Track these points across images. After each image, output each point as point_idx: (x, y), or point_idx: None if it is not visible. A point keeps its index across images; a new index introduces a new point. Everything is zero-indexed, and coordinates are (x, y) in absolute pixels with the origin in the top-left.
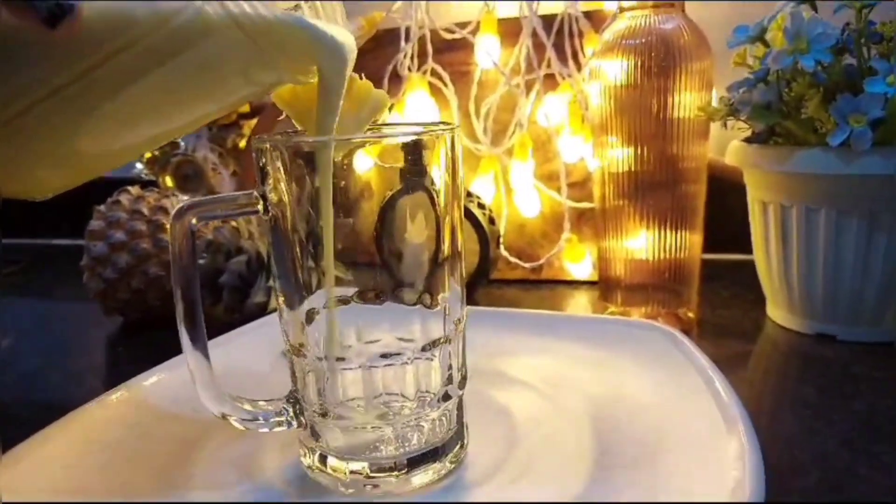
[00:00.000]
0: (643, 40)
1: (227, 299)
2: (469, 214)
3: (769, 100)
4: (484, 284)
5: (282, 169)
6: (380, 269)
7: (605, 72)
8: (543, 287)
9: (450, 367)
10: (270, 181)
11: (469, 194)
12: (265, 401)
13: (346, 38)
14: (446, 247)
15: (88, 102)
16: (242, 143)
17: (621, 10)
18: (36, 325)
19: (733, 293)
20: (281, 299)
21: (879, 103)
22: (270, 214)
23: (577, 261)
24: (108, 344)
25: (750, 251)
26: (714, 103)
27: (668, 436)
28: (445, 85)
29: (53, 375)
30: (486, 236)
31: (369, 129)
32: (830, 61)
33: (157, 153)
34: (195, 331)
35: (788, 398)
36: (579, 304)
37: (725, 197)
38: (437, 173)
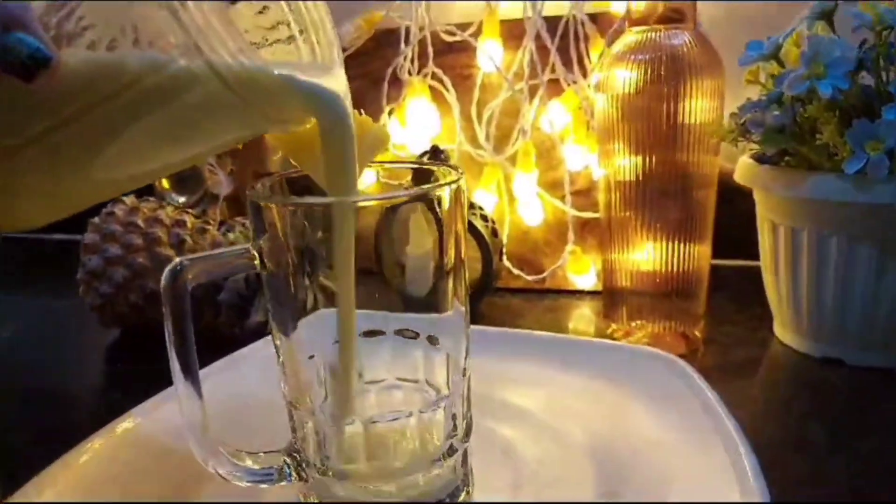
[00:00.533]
0: (651, 56)
1: (226, 318)
2: (472, 227)
3: (783, 122)
4: (488, 295)
5: (287, 226)
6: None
7: (613, 80)
8: (547, 297)
9: (454, 418)
10: (268, 237)
11: (472, 206)
12: (265, 453)
13: (338, 83)
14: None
15: (73, 148)
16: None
17: (630, 23)
18: (32, 329)
19: (739, 306)
20: (281, 352)
21: None
22: (268, 270)
23: (582, 273)
24: (108, 358)
25: (756, 256)
26: (725, 118)
27: (674, 476)
28: (447, 89)
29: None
30: (488, 249)
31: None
32: (847, 88)
33: None
34: (192, 385)
35: (795, 434)
36: (584, 315)
37: (732, 201)
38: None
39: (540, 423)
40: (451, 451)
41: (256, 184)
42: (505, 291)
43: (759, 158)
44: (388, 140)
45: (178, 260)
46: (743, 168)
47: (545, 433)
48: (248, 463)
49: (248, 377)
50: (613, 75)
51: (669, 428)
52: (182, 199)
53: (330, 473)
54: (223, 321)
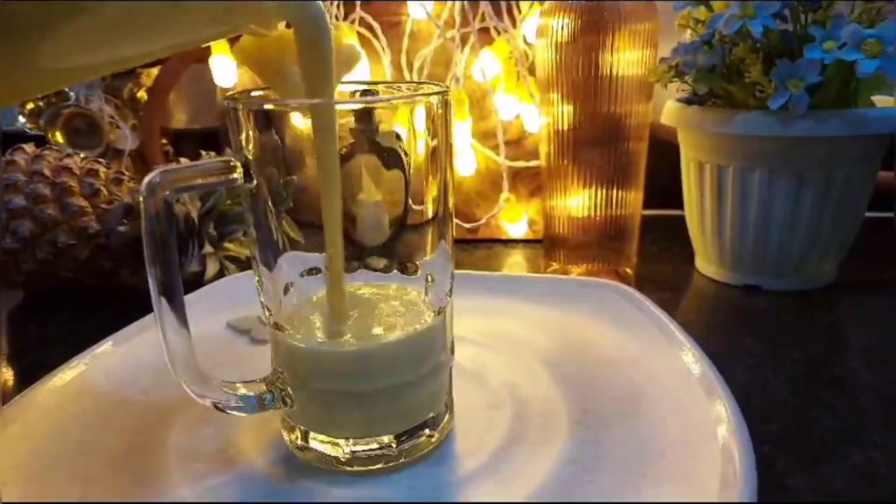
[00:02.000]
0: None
1: None
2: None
3: (713, 63)
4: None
5: (263, 131)
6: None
7: (550, 29)
8: (481, 246)
9: (443, 338)
10: (250, 146)
11: (405, 152)
12: (250, 383)
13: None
14: (428, 210)
15: (38, 23)
16: (142, 94)
17: None
18: None
19: (662, 247)
20: (260, 270)
21: (817, 69)
22: (255, 183)
23: (515, 220)
24: (12, 322)
25: (672, 206)
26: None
27: (643, 389)
28: (376, 37)
29: None
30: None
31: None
32: (774, 27)
33: (41, 104)
34: (177, 318)
35: (733, 347)
36: (518, 263)
37: (658, 156)
38: (408, 133)
39: (504, 352)
40: (438, 367)
41: (233, 95)
42: None
43: (686, 101)
44: (360, 58)
45: (154, 171)
46: (670, 110)
47: (511, 360)
48: (242, 391)
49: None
50: (551, 22)
51: (628, 346)
52: (81, 155)
53: (315, 393)
54: None
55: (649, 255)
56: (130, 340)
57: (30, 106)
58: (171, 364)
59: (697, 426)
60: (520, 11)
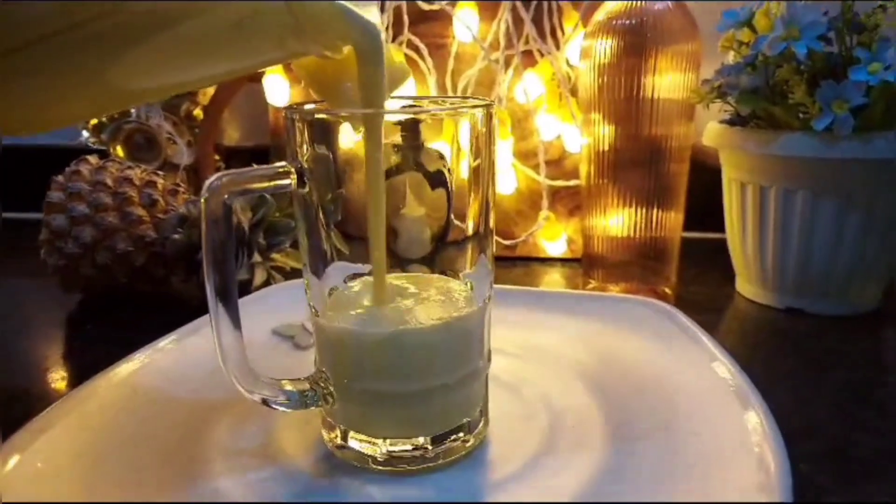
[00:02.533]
0: (633, 21)
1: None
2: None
3: (757, 85)
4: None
5: (318, 140)
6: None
7: (595, 51)
8: (519, 264)
9: (480, 342)
10: (305, 154)
11: (449, 170)
12: (296, 380)
13: (376, 18)
14: (469, 226)
15: (113, 43)
16: (198, 112)
17: None
18: None
19: (702, 270)
20: (309, 276)
21: (862, 90)
22: (307, 188)
23: (554, 239)
24: (70, 323)
25: (713, 229)
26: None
27: (678, 403)
28: (422, 58)
29: (15, 360)
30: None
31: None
32: (819, 49)
33: (104, 120)
34: (232, 318)
35: (774, 368)
36: (556, 281)
37: (698, 179)
38: (451, 150)
39: (540, 365)
40: (475, 372)
41: (292, 106)
42: None
43: (728, 123)
44: (409, 75)
45: (215, 175)
46: (712, 131)
47: (547, 373)
48: (288, 388)
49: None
50: (595, 44)
51: (664, 361)
52: (141, 167)
53: (355, 390)
54: (198, 283)
55: (689, 276)
56: (182, 342)
57: (93, 121)
58: (223, 361)
59: (732, 438)
60: (563, 34)
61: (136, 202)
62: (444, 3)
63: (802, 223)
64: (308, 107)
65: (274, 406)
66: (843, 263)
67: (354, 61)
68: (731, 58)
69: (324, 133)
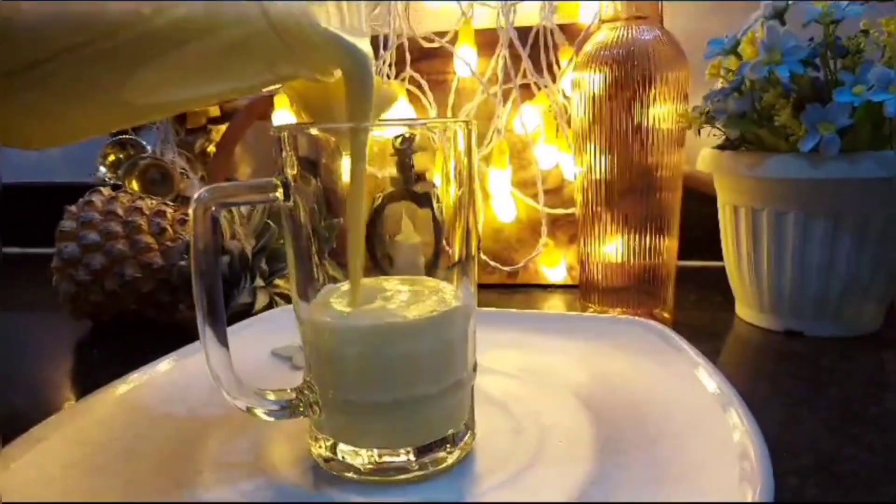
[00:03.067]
0: (623, 51)
1: None
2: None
3: (744, 109)
4: None
5: (304, 157)
6: (373, 272)
7: (586, 82)
8: (520, 291)
9: (464, 350)
10: (291, 170)
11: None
12: (282, 391)
13: (367, 48)
14: (456, 251)
15: (118, 62)
16: (211, 149)
17: (602, 21)
18: None
19: (701, 296)
20: (295, 293)
21: (847, 112)
22: (292, 201)
23: (553, 265)
24: (78, 349)
25: (712, 258)
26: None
27: (668, 421)
28: (424, 93)
29: (21, 382)
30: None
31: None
32: (802, 72)
33: (121, 156)
34: (216, 324)
35: (770, 388)
36: (556, 306)
37: (693, 208)
38: (440, 178)
39: (532, 383)
40: (460, 383)
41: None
42: (479, 287)
43: (721, 148)
44: (398, 98)
45: (203, 188)
46: (705, 157)
47: (538, 390)
48: (271, 397)
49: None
50: (585, 75)
51: (655, 377)
52: (153, 199)
53: (340, 400)
54: None
55: (688, 302)
56: (181, 362)
57: (111, 158)
58: (209, 364)
59: (718, 450)
60: (559, 67)
61: (145, 230)
62: (444, 40)
63: (795, 244)
64: (291, 125)
65: (259, 414)
66: (838, 284)
67: (343, 85)
68: (718, 85)
69: (309, 148)
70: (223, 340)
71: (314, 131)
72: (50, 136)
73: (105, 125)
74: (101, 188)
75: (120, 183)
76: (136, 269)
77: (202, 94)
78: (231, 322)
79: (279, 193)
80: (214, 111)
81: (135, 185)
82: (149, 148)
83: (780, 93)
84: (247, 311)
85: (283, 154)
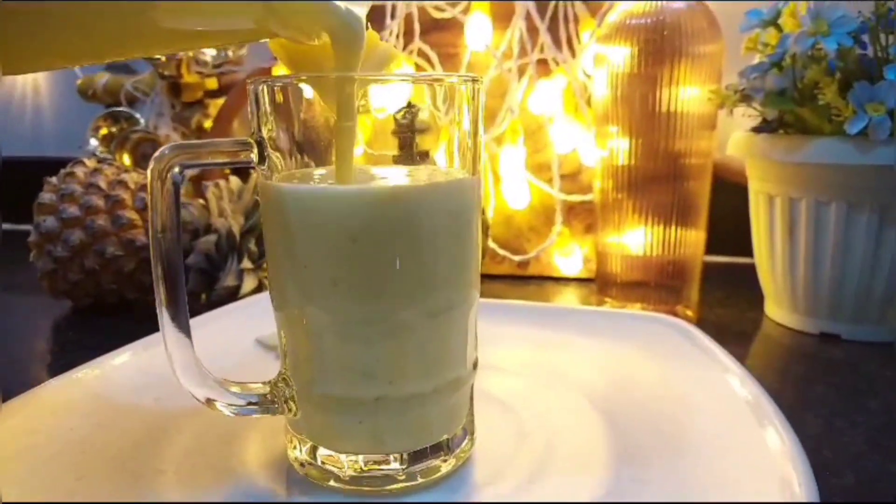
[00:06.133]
0: (651, 22)
1: (193, 283)
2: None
3: (783, 86)
4: None
5: (282, 113)
6: None
7: (609, 57)
8: (531, 283)
9: (463, 343)
10: (267, 128)
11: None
12: (254, 383)
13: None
14: None
15: None
16: (208, 124)
17: None
18: None
19: (727, 293)
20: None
21: None
22: (267, 165)
23: (568, 255)
24: (55, 330)
25: (740, 254)
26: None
27: (691, 425)
28: (433, 67)
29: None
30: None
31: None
32: (851, 45)
33: (114, 130)
34: (175, 303)
35: (801, 396)
36: (569, 301)
37: (721, 199)
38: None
39: (541, 383)
40: (458, 382)
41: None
42: (486, 277)
43: (755, 131)
44: (395, 56)
45: (165, 146)
46: (737, 141)
47: (548, 391)
48: (236, 390)
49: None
50: (609, 51)
51: (678, 380)
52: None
53: (320, 396)
54: (189, 290)
55: (714, 300)
56: (150, 350)
57: (103, 131)
58: (165, 346)
59: (752, 465)
60: (579, 41)
61: (128, 205)
62: (455, 10)
63: (836, 238)
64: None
65: (219, 408)
66: (882, 283)
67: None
68: (756, 61)
69: (288, 103)
70: (182, 320)
71: (295, 83)
72: (44, 60)
73: (133, 50)
74: (85, 159)
75: (111, 156)
76: (117, 247)
77: (174, 44)
78: (215, 306)
79: (253, 155)
80: (212, 84)
81: (126, 160)
82: (142, 121)
83: (825, 69)
84: (232, 295)
85: (259, 110)
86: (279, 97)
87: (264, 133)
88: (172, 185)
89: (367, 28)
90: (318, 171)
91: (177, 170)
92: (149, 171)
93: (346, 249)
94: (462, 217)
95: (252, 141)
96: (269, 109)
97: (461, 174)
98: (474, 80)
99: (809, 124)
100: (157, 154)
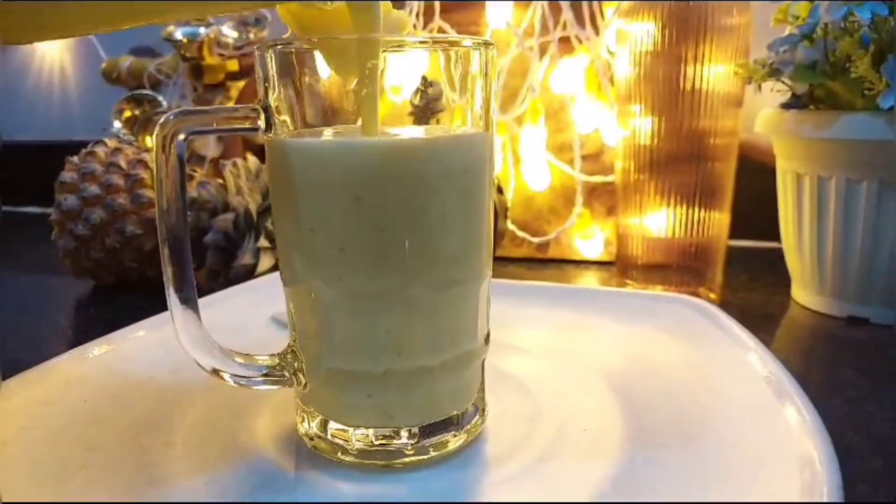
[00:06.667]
0: None
1: (212, 261)
2: None
3: (814, 59)
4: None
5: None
6: None
7: (632, 33)
8: (550, 266)
9: (474, 318)
10: (276, 95)
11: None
12: (261, 355)
13: None
14: None
15: None
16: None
17: None
18: None
19: (752, 276)
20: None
21: None
22: (274, 132)
23: (588, 238)
24: (78, 307)
25: (765, 237)
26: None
27: (713, 413)
28: None
29: (12, 340)
30: (493, 207)
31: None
32: (886, 15)
33: (137, 112)
34: (183, 274)
35: (829, 380)
36: (589, 283)
37: (743, 178)
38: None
39: (559, 364)
40: (470, 356)
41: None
42: (505, 260)
43: (783, 107)
44: (407, 24)
45: (170, 112)
46: (764, 118)
47: (565, 372)
48: (241, 361)
49: (234, 313)
50: (632, 27)
51: (699, 362)
52: None
53: (331, 369)
54: (207, 269)
55: (739, 283)
56: (168, 325)
57: (126, 114)
58: (175, 323)
59: (775, 450)
60: (603, 18)
61: (147, 184)
62: None
63: (867, 219)
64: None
65: (226, 379)
66: None
67: (345, 12)
68: (786, 33)
69: (300, 69)
70: (190, 293)
71: (307, 47)
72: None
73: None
74: (106, 139)
75: (134, 138)
76: (137, 226)
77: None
78: (232, 283)
79: (261, 122)
80: (233, 66)
81: (149, 142)
82: (165, 104)
83: (858, 41)
84: (249, 273)
85: (268, 76)
86: (287, 62)
87: (271, 100)
88: (177, 157)
89: None
90: (328, 131)
91: (182, 136)
92: (153, 137)
93: (351, 210)
94: (470, 174)
95: (259, 108)
96: (276, 75)
97: (472, 130)
98: (486, 44)
99: (841, 99)
100: (161, 120)
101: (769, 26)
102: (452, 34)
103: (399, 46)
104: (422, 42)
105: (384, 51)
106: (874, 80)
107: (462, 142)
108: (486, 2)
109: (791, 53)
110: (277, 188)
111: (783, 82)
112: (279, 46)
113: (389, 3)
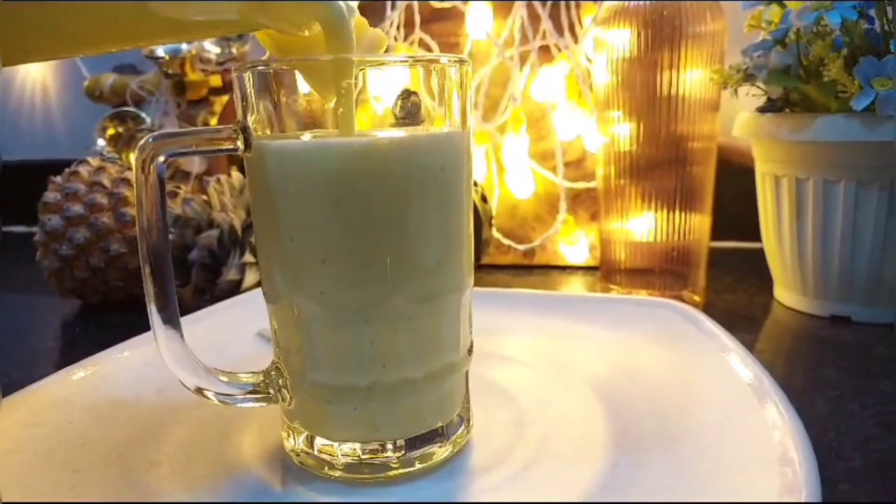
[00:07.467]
0: (649, 1)
1: (197, 278)
2: None
3: (788, 63)
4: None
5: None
6: None
7: (609, 41)
8: (536, 272)
9: (457, 328)
10: (254, 116)
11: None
12: (245, 373)
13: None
14: None
15: None
16: (213, 122)
17: None
18: None
19: (736, 278)
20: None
21: None
22: (252, 153)
23: (572, 244)
24: (64, 327)
25: (747, 238)
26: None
27: (695, 415)
28: None
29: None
30: (478, 215)
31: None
32: (856, 19)
33: (120, 130)
34: (165, 293)
35: (812, 380)
36: (575, 289)
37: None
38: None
39: (544, 370)
40: (452, 367)
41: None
42: (491, 268)
43: (761, 111)
44: (385, 42)
45: (149, 135)
46: (742, 121)
47: (550, 378)
48: (224, 379)
49: (220, 329)
50: (609, 35)
51: (682, 366)
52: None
53: (314, 385)
54: (192, 287)
55: (722, 285)
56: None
57: (110, 132)
58: (157, 343)
59: (753, 449)
60: (581, 27)
61: (131, 203)
62: (456, 0)
63: (845, 218)
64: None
65: (209, 397)
66: (893, 263)
67: (321, 35)
68: (760, 39)
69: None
70: (173, 313)
71: (285, 67)
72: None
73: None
74: (90, 158)
75: (118, 156)
76: (121, 244)
77: (166, 35)
78: (217, 300)
79: (239, 142)
80: (216, 81)
81: (132, 159)
82: (148, 121)
83: (830, 45)
84: (235, 289)
85: (246, 97)
86: (265, 82)
87: (250, 121)
88: (157, 180)
89: (355, 14)
90: (306, 135)
91: (161, 158)
92: (134, 160)
93: (330, 215)
94: (448, 171)
95: (237, 129)
96: (254, 96)
97: (448, 129)
98: (461, 61)
99: (815, 102)
100: (141, 143)
101: (743, 32)
102: (428, 53)
103: (379, 65)
104: (401, 61)
105: (361, 70)
106: (847, 83)
107: (438, 139)
108: (466, 12)
109: (765, 58)
110: (257, 199)
111: (758, 87)
112: (258, 67)
113: (365, 20)
